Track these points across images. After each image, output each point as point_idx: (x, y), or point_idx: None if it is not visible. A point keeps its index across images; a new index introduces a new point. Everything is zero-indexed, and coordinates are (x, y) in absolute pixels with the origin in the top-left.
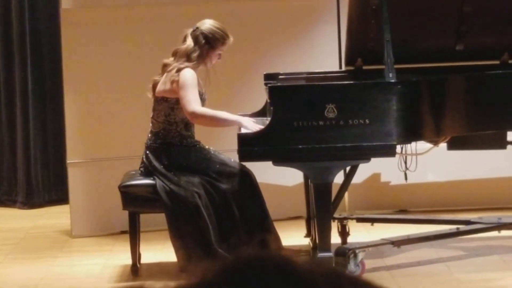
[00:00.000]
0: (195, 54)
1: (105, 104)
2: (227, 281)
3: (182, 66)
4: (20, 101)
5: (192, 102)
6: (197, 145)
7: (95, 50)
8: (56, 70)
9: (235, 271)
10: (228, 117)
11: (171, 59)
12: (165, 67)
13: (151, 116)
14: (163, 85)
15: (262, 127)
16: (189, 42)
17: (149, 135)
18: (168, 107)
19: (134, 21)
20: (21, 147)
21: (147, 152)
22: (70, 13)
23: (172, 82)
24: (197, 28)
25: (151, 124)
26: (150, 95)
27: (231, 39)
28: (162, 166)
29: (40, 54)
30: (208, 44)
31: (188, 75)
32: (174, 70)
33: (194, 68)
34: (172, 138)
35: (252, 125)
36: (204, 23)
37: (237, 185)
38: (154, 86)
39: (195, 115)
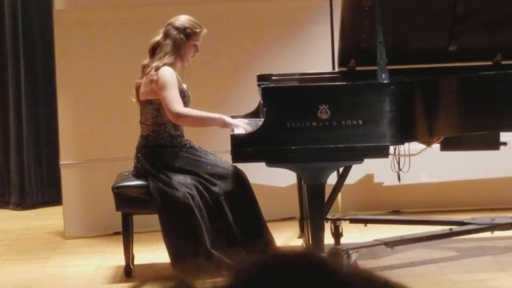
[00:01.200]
0: (168, 48)
1: (98, 105)
2: (265, 278)
3: (160, 64)
4: (13, 103)
5: (174, 103)
6: (187, 144)
7: (88, 51)
8: (49, 71)
9: (274, 269)
10: (211, 115)
11: (149, 59)
12: (144, 68)
13: (139, 120)
14: (144, 87)
15: (242, 123)
16: (160, 36)
17: (139, 139)
18: (154, 109)
19: (127, 22)
20: (14, 148)
21: (139, 155)
22: (63, 15)
23: (151, 81)
24: (169, 23)
25: (140, 128)
26: (134, 99)
27: (204, 30)
28: (154, 169)
29: (33, 55)
30: (180, 35)
31: (167, 74)
32: (153, 70)
33: (171, 65)
34: (162, 140)
35: (235, 122)
36: (176, 19)
37: (230, 186)
38: (137, 90)
39: (180, 115)
